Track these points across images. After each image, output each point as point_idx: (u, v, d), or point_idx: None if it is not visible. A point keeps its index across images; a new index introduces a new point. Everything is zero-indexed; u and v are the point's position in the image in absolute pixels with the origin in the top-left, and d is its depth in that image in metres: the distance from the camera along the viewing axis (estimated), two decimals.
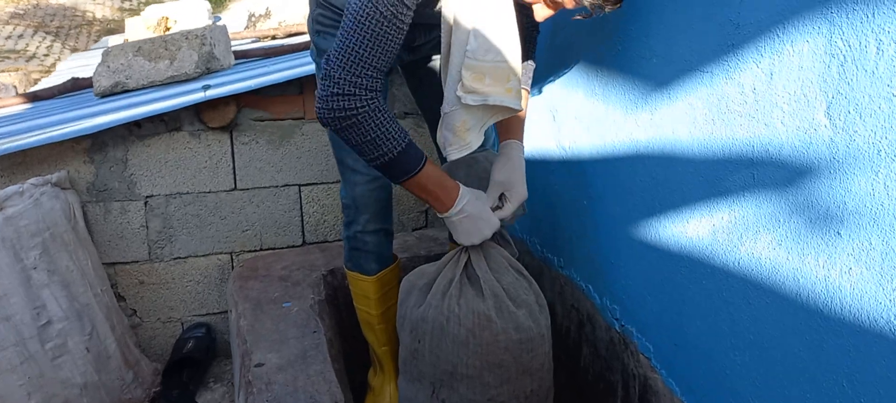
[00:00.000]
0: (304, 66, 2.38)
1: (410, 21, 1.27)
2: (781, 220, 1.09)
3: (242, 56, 2.81)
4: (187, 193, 2.31)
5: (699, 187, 1.28)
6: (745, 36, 1.13)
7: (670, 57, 1.34)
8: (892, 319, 0.91)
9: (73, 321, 2.01)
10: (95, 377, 2.03)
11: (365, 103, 1.25)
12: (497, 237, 1.95)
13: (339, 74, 1.24)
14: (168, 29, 4.81)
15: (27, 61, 9.53)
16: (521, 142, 1.56)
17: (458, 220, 1.43)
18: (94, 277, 2.13)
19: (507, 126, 1.56)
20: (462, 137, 1.41)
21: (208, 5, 5.61)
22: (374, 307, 1.82)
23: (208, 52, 2.33)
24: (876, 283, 0.93)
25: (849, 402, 0.99)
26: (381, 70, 1.27)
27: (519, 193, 1.53)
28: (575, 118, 1.73)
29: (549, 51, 1.87)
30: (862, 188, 0.94)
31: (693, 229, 1.31)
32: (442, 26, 1.36)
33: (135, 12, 12.63)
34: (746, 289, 1.19)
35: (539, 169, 1.99)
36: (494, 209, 1.52)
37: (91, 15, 12.39)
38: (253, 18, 4.97)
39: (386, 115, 1.29)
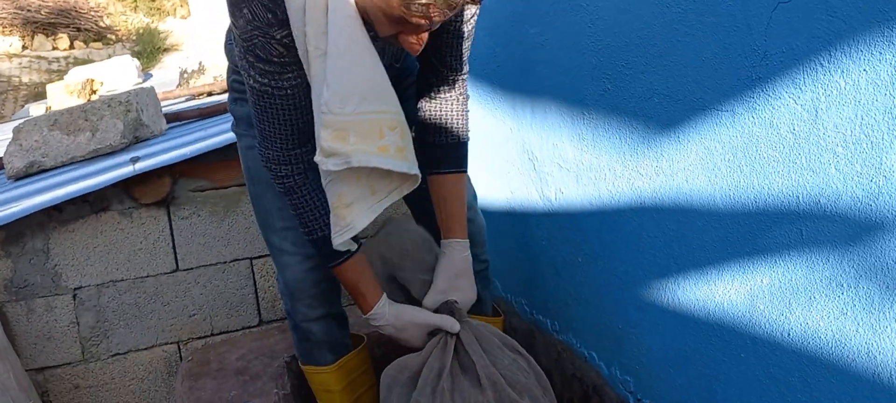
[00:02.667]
0: None
1: (299, 81, 1.14)
2: (845, 285, 0.90)
3: (175, 118, 2.55)
4: (122, 280, 2.03)
5: (728, 245, 1.09)
6: (776, 66, 0.95)
7: (676, 95, 1.15)
8: None
9: None
10: None
11: (289, 175, 1.23)
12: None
13: (261, 150, 1.23)
14: (94, 92, 4.48)
15: None
16: (465, 239, 1.35)
17: (380, 329, 1.33)
18: (17, 391, 1.83)
19: (444, 217, 1.35)
20: (341, 216, 1.20)
21: (137, 63, 5.29)
22: (341, 400, 1.57)
23: (135, 119, 2.07)
24: None
25: None
26: (295, 141, 1.20)
27: (466, 298, 1.37)
28: (560, 166, 1.54)
29: (517, 86, 1.68)
30: None
31: (724, 293, 1.12)
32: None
33: (64, 74, 12.13)
34: (802, 365, 0.99)
35: (520, 222, 1.78)
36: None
37: (17, 80, 11.84)
38: (185, 75, 4.68)
39: (310, 192, 1.23)
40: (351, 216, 1.20)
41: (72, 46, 14.06)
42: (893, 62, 0.80)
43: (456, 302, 1.35)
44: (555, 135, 1.53)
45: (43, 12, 14.00)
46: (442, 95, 1.32)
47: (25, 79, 12.07)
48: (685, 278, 1.20)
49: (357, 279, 1.31)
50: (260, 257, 2.16)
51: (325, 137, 1.10)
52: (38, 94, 10.94)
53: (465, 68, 1.30)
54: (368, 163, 1.12)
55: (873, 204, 0.84)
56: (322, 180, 1.21)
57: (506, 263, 1.91)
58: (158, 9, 17.66)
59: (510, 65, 1.70)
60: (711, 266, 1.13)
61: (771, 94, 0.97)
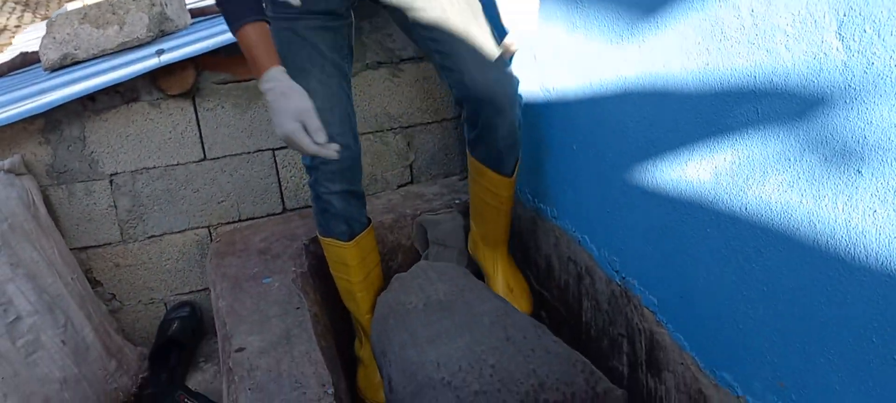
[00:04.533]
0: None
1: None
2: (792, 159, 0.96)
3: (199, 14, 2.63)
4: (154, 168, 2.17)
5: (697, 126, 1.15)
6: None
7: None
8: None
9: (45, 314, 1.91)
10: (75, 370, 1.93)
11: None
12: (441, 248, 1.94)
13: None
14: None
15: None
16: None
17: (266, 93, 1.32)
18: (62, 266, 2.01)
19: None
20: None
21: None
22: (354, 274, 1.71)
23: (159, 13, 2.16)
24: None
25: (879, 358, 0.88)
26: None
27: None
28: (555, 56, 1.59)
29: None
30: (884, 118, 0.81)
31: (693, 172, 1.18)
32: None
33: None
34: (756, 237, 1.07)
35: (526, 114, 1.84)
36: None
37: None
38: None
39: None
40: None
41: None
42: None
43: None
44: (551, 25, 1.57)
45: None
46: None
47: None
48: (661, 160, 1.27)
49: (257, 43, 1.31)
50: (282, 148, 2.28)
51: None
52: None
53: None
54: None
55: (816, 81, 0.89)
56: None
57: None
58: None
59: None
60: (683, 147, 1.20)
61: None
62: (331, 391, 1.40)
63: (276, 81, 1.31)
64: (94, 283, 2.22)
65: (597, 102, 1.45)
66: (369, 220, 1.73)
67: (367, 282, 1.73)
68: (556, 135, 1.69)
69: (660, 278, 1.36)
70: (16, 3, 10.87)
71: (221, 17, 2.65)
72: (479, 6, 1.58)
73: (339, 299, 1.89)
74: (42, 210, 2.03)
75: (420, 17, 1.54)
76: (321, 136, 1.30)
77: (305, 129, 1.29)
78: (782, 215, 1.00)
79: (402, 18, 1.59)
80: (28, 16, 10.36)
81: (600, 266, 1.59)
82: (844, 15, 0.84)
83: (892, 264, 0.84)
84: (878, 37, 0.80)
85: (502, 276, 1.88)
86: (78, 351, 1.96)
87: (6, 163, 1.96)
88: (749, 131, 1.03)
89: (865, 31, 0.81)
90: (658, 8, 1.19)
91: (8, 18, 10.09)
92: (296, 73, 1.36)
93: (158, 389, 2.08)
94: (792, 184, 0.97)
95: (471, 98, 1.55)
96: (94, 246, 2.20)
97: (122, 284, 2.25)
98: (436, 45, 1.55)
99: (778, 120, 0.97)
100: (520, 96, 1.64)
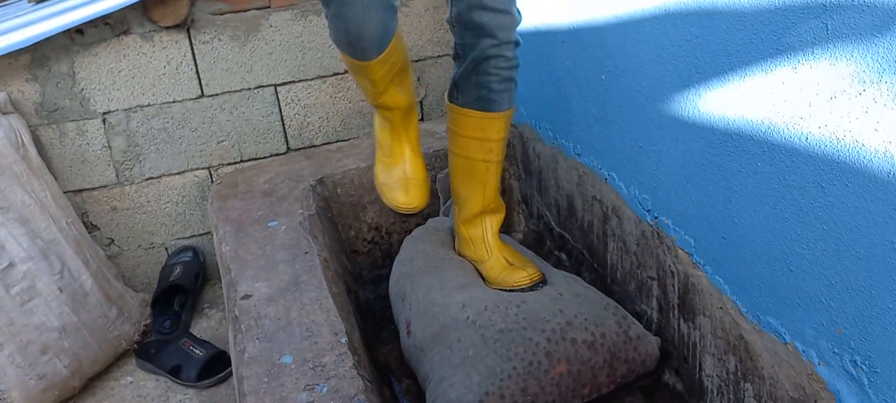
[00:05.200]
0: None
1: None
2: (867, 82, 0.85)
3: None
4: (149, 105, 2.05)
5: (752, 47, 1.03)
6: None
7: None
8: None
9: (39, 260, 1.81)
10: (74, 317, 1.85)
11: None
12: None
13: None
14: None
15: None
16: None
17: None
18: (56, 209, 1.91)
19: None
20: None
21: None
22: (378, 85, 1.40)
23: None
24: None
25: None
26: None
27: None
28: None
29: None
30: None
31: (744, 100, 1.07)
32: None
33: None
34: (818, 170, 0.96)
35: (546, 43, 1.72)
36: None
37: None
38: None
39: None
40: None
41: None
42: None
43: None
44: None
45: None
46: None
47: None
48: (707, 87, 1.15)
49: None
50: (284, 84, 2.16)
51: None
52: None
53: None
54: None
55: None
56: None
57: (530, 89, 1.87)
58: None
59: None
60: (733, 71, 1.08)
61: None
62: (344, 340, 1.32)
63: None
64: (91, 228, 2.12)
65: (633, 26, 1.33)
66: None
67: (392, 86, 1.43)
68: (582, 65, 1.57)
69: (699, 217, 1.26)
70: None
71: None
72: None
73: (349, 241, 1.79)
74: (32, 151, 1.92)
75: None
76: None
77: None
78: (851, 146, 0.89)
79: None
80: None
81: (629, 204, 1.49)
82: None
83: None
84: None
85: (497, 252, 1.59)
86: (76, 298, 1.87)
87: None
88: (815, 51, 0.92)
89: None
90: None
91: None
92: None
93: (162, 336, 2.01)
94: (866, 110, 0.86)
95: (473, 5, 1.32)
96: (89, 189, 2.09)
97: (119, 228, 2.16)
98: None
99: (851, 37, 0.86)
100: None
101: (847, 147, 0.90)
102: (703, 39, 1.14)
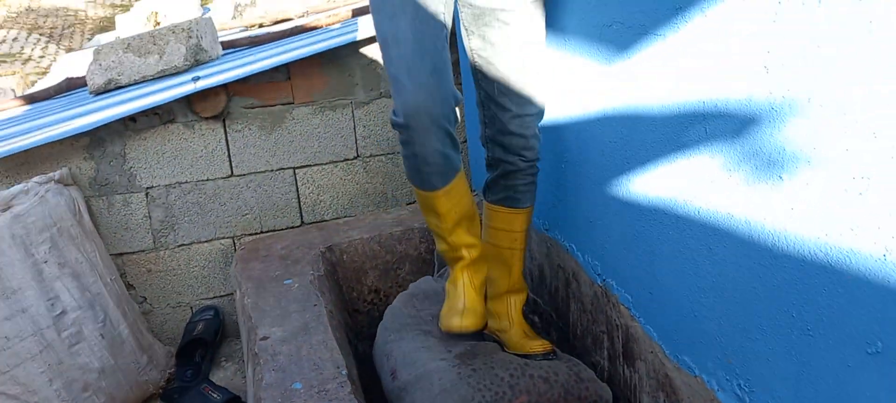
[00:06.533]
0: (290, 52, 2.46)
1: None
2: (732, 170, 1.17)
3: (230, 46, 2.88)
4: (186, 182, 2.40)
5: (660, 144, 1.36)
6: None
7: (629, 23, 1.41)
8: (828, 251, 0.99)
9: (86, 310, 2.12)
10: (112, 361, 2.14)
11: None
12: None
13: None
14: (158, 23, 4.88)
15: (23, 64, 9.61)
16: None
17: None
18: (102, 268, 2.23)
19: None
20: None
21: None
22: (445, 221, 1.66)
23: (196, 45, 2.41)
24: (816, 219, 1.01)
25: (796, 329, 1.08)
26: None
27: None
28: (553, 88, 1.81)
29: None
30: (798, 134, 1.02)
31: (658, 183, 1.39)
32: None
33: (126, 9, 12.67)
34: (707, 237, 1.27)
35: None
36: None
37: (83, 14, 12.44)
38: (239, 8, 5.08)
39: None
40: None
41: None
42: None
43: None
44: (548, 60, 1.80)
45: None
46: None
47: (91, 13, 12.67)
48: (634, 174, 1.48)
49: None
50: (302, 167, 2.51)
51: None
52: (103, 27, 11.51)
53: None
54: None
55: (748, 104, 1.11)
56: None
57: None
58: None
59: None
60: (651, 162, 1.41)
61: (689, 18, 1.23)
62: (344, 372, 1.60)
63: None
64: (129, 286, 2.43)
65: (582, 126, 1.67)
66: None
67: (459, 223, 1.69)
68: (546, 156, 1.90)
69: (633, 278, 1.57)
70: (40, 34, 11.26)
71: (249, 49, 2.91)
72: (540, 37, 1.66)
73: (351, 301, 2.09)
74: (86, 217, 2.25)
75: (491, 37, 1.59)
76: None
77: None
78: (726, 217, 1.21)
79: (468, 29, 1.63)
80: (52, 47, 10.74)
81: (585, 270, 1.79)
82: (768, 52, 1.05)
83: (805, 251, 1.04)
84: (793, 70, 1.01)
85: (518, 325, 1.83)
86: (114, 345, 2.16)
87: (56, 174, 2.19)
88: (700, 147, 1.25)
89: (783, 65, 1.03)
90: (630, 46, 1.42)
91: (33, 49, 10.47)
92: (387, 18, 1.43)
93: (184, 383, 2.28)
94: (732, 191, 1.18)
95: (505, 131, 1.64)
96: (129, 253, 2.42)
97: (152, 288, 2.47)
98: (491, 73, 1.62)
99: (721, 137, 1.19)
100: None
101: (723, 218, 1.22)
102: (630, 137, 1.47)
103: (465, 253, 1.72)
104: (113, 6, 13.08)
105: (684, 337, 1.41)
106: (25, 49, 10.26)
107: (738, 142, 1.15)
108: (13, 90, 6.47)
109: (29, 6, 12.42)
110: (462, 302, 1.73)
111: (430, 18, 1.45)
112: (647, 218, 1.46)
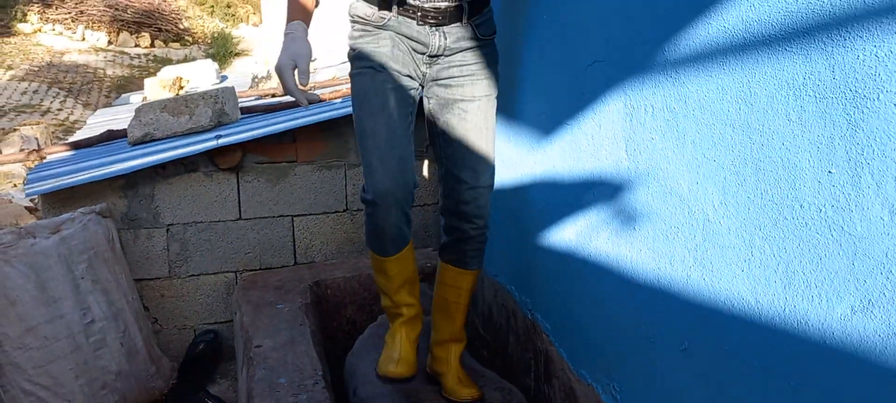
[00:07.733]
0: (296, 120, 2.95)
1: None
2: (608, 223, 1.63)
3: (247, 111, 3.39)
4: (201, 222, 2.85)
5: (568, 204, 1.83)
6: (587, 100, 1.70)
7: (550, 114, 1.90)
8: (660, 277, 1.45)
9: (111, 321, 2.54)
10: (127, 367, 2.54)
11: None
12: None
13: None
14: (181, 88, 5.45)
15: (42, 115, 10.15)
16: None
17: (284, 36, 1.71)
18: (126, 288, 2.66)
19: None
20: None
21: (216, 66, 6.25)
22: (393, 281, 1.94)
23: (220, 109, 2.90)
24: (656, 256, 1.47)
25: (643, 339, 1.52)
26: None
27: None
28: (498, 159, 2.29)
29: None
30: (650, 197, 1.48)
31: (565, 234, 1.85)
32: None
33: (144, 70, 13.36)
34: (596, 274, 1.72)
35: None
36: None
37: (102, 72, 13.10)
38: (256, 79, 5.68)
39: None
40: None
41: (152, 45, 15.39)
42: (624, 101, 1.53)
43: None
44: (498, 138, 2.28)
45: (129, 12, 15.34)
46: None
47: (109, 72, 13.35)
48: (552, 227, 1.94)
49: (292, 3, 1.75)
50: (299, 216, 2.97)
51: None
52: (120, 87, 12.15)
53: None
54: None
55: (615, 177, 1.58)
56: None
57: None
58: (233, 15, 18.95)
59: None
60: (562, 218, 1.87)
61: (583, 116, 1.71)
62: (320, 374, 2.02)
63: (294, 30, 1.70)
64: (144, 307, 2.85)
65: (517, 191, 2.14)
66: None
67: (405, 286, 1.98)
68: (498, 216, 2.37)
69: (552, 310, 2.00)
70: (60, 88, 11.88)
71: (263, 115, 3.41)
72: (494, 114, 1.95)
73: (332, 329, 2.51)
74: (117, 245, 2.69)
75: (452, 123, 1.89)
76: (305, 80, 1.69)
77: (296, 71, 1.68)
78: (607, 259, 1.66)
79: (435, 116, 1.92)
80: (70, 101, 11.34)
81: (521, 308, 2.23)
82: (628, 140, 1.53)
83: (648, 279, 1.49)
84: (647, 154, 1.48)
85: (454, 371, 2.04)
86: (130, 353, 2.57)
87: (97, 207, 2.64)
88: (591, 207, 1.71)
89: (640, 153, 1.50)
90: (550, 131, 1.90)
91: (52, 102, 11.06)
92: (368, 115, 1.76)
93: (185, 392, 2.68)
94: (612, 238, 1.64)
95: (461, 201, 1.90)
96: (148, 279, 2.85)
97: (164, 311, 2.89)
98: (451, 151, 1.90)
99: (602, 199, 1.65)
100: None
101: (606, 260, 1.67)
102: (549, 199, 1.94)
103: (405, 310, 1.99)
104: (130, 67, 13.79)
105: (582, 355, 1.84)
106: (45, 101, 10.82)
107: (612, 203, 1.62)
108: (36, 139, 6.97)
109: (50, 61, 13.11)
110: (397, 353, 1.96)
111: (401, 119, 1.78)
112: (561, 262, 1.91)
